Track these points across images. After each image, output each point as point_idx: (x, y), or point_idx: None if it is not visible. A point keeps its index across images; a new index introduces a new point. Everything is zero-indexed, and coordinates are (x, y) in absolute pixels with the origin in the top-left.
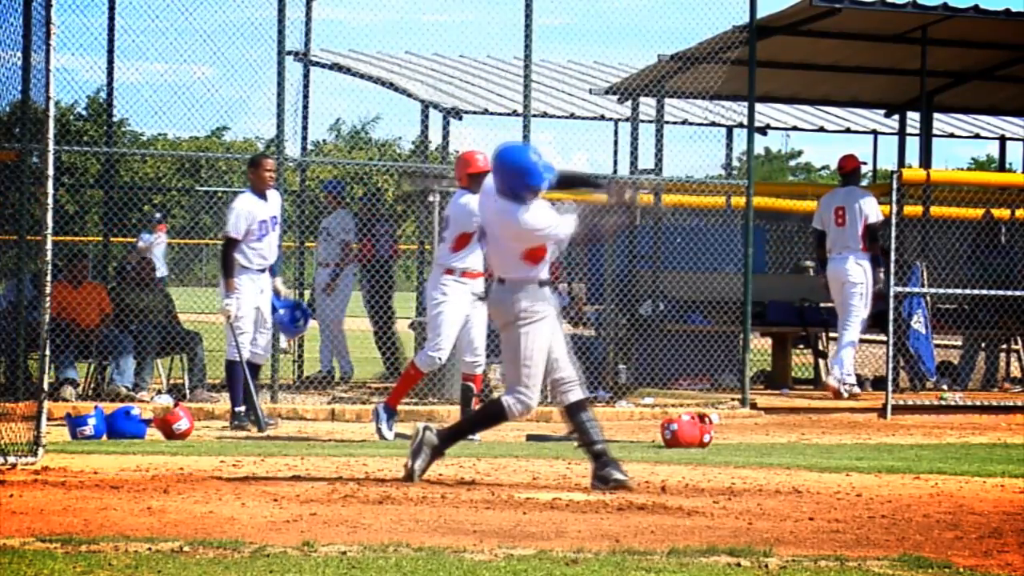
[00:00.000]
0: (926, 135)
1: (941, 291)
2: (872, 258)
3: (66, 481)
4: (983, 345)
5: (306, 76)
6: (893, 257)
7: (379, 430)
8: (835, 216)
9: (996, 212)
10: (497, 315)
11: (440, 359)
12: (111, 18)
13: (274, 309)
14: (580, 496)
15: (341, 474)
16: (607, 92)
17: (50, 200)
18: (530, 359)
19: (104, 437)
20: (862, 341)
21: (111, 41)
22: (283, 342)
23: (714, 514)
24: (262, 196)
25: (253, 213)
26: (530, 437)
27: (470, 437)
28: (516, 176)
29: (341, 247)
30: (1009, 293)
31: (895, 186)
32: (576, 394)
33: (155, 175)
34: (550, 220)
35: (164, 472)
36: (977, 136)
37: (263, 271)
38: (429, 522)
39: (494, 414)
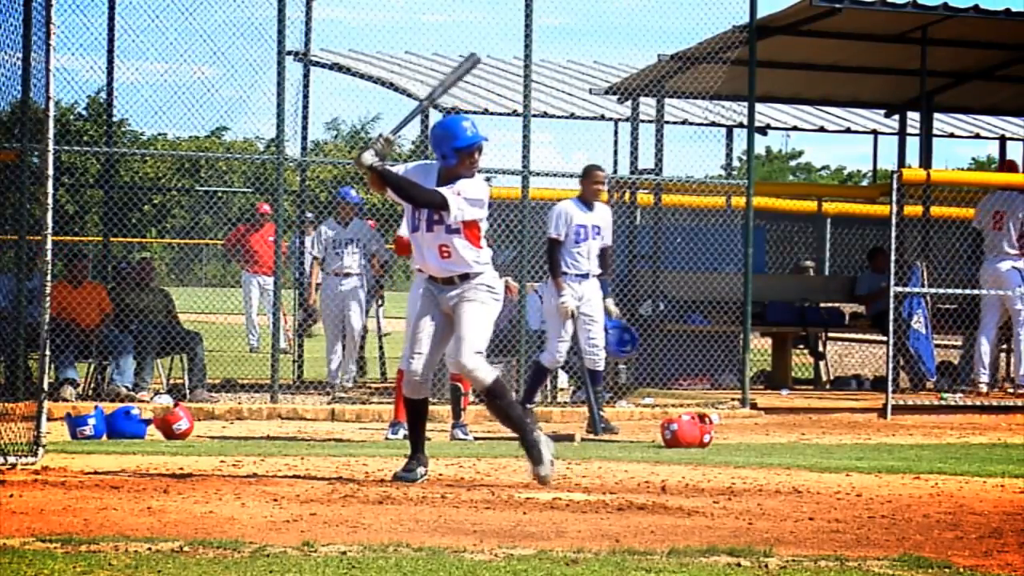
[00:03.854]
0: (926, 135)
1: (941, 291)
2: None
3: (66, 481)
4: None
5: (306, 76)
6: (893, 257)
7: (386, 437)
8: (993, 220)
9: None
10: None
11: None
12: (111, 18)
13: (604, 328)
14: (580, 496)
15: (341, 474)
16: (607, 92)
17: (50, 200)
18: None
19: (104, 437)
20: (863, 341)
21: (111, 41)
22: (282, 342)
23: (714, 514)
24: (587, 205)
25: (571, 216)
26: None
27: (462, 435)
28: (446, 139)
29: (367, 257)
30: (1009, 293)
31: (895, 186)
32: (479, 382)
33: (155, 175)
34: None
35: (164, 472)
36: (977, 136)
37: (583, 278)
38: (429, 522)
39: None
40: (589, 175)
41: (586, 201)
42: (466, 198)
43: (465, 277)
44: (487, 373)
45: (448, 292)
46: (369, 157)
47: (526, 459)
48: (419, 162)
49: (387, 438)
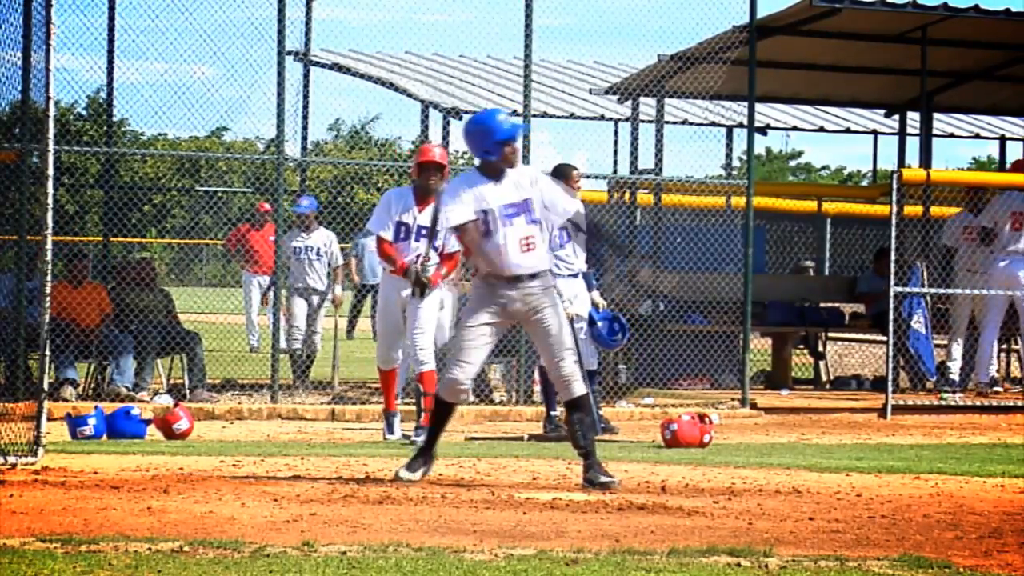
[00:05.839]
0: (926, 135)
1: (941, 291)
2: None
3: (66, 481)
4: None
5: (306, 76)
6: (893, 257)
7: (384, 437)
8: (1012, 220)
9: None
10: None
11: (383, 356)
12: (111, 18)
13: (592, 321)
14: (580, 496)
15: (341, 474)
16: (607, 92)
17: (50, 200)
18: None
19: (104, 437)
20: (863, 341)
21: (111, 41)
22: (282, 342)
23: (714, 514)
24: None
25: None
26: (531, 437)
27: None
28: (484, 134)
29: (331, 270)
30: (1008, 293)
31: (895, 186)
32: (569, 392)
33: (155, 175)
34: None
35: (164, 472)
36: (977, 136)
37: (574, 276)
38: (429, 522)
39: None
40: (569, 176)
41: None
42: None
43: (535, 275)
44: (580, 384)
45: (515, 291)
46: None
47: (526, 458)
48: (454, 180)
49: (385, 438)
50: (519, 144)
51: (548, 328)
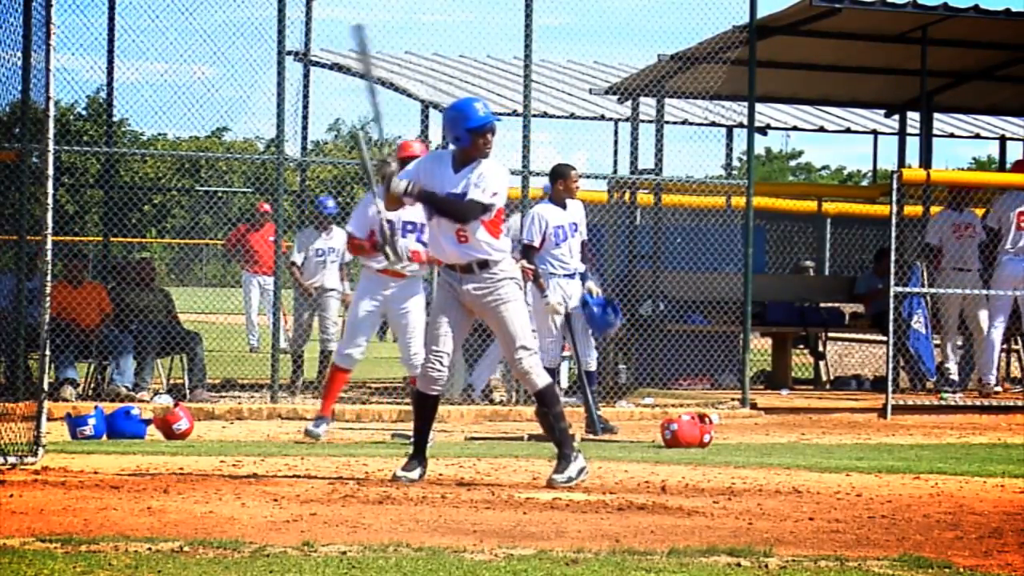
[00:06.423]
0: (926, 135)
1: (941, 291)
2: None
3: (66, 481)
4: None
5: (306, 76)
6: (893, 257)
7: (306, 430)
8: (1018, 219)
9: None
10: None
11: (345, 353)
12: (111, 18)
13: (585, 304)
14: (580, 496)
15: (341, 474)
16: (607, 92)
17: (50, 200)
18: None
19: (104, 437)
20: (863, 341)
21: (111, 41)
22: (282, 342)
23: (714, 514)
24: (561, 205)
25: (547, 220)
26: (531, 437)
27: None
28: (458, 120)
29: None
30: (1009, 293)
31: (895, 186)
32: (531, 386)
33: (155, 175)
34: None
35: (164, 472)
36: (977, 136)
37: (571, 277)
38: (429, 522)
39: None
40: (568, 176)
41: (559, 201)
42: (493, 192)
43: (484, 265)
44: (541, 377)
45: (469, 284)
46: (402, 185)
47: (526, 458)
48: (429, 153)
49: (307, 431)
50: (492, 136)
51: (501, 321)
